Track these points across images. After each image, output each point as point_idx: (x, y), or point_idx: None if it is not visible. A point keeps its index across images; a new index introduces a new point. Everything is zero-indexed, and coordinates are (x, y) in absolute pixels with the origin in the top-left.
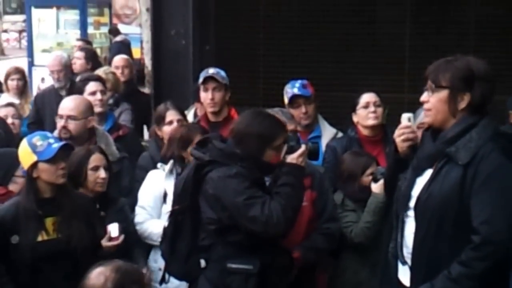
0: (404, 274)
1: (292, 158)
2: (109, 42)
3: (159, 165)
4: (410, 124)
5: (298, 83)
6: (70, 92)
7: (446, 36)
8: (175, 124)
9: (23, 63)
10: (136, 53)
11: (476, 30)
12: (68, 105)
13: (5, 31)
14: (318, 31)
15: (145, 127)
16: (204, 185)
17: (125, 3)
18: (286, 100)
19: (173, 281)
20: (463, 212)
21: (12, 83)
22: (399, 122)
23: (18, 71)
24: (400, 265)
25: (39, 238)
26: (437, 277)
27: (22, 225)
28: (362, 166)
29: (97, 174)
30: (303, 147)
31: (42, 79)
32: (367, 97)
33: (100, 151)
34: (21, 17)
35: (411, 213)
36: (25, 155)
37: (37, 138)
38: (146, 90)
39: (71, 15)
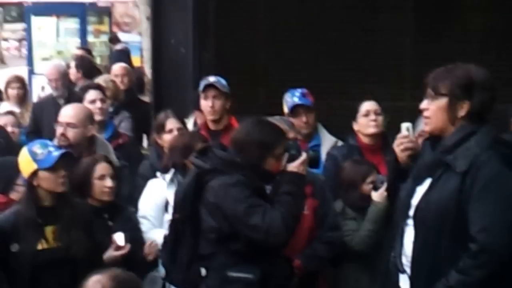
0: (404, 282)
1: (293, 167)
2: (109, 51)
3: (158, 174)
4: (408, 134)
5: (298, 92)
6: (68, 101)
7: (447, 44)
8: (175, 132)
9: (23, 72)
10: (136, 61)
11: (478, 39)
12: (68, 112)
13: (6, 39)
14: (318, 39)
15: (144, 136)
16: (204, 194)
17: (125, 11)
18: (286, 110)
19: None
20: (461, 220)
21: (13, 92)
22: (399, 130)
23: (19, 79)
24: (399, 274)
25: (39, 247)
26: (435, 285)
27: (22, 233)
28: (362, 175)
29: (103, 183)
30: (303, 155)
31: (42, 88)
32: (367, 106)
33: (106, 160)
34: (21, 26)
35: (410, 221)
36: (26, 163)
37: (37, 146)
38: (146, 98)
39: (71, 24)
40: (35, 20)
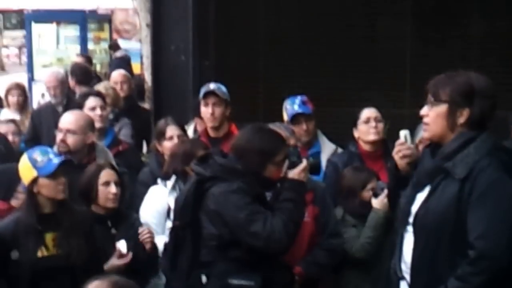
0: None
1: (293, 174)
2: (110, 58)
3: (159, 181)
4: (405, 141)
5: (298, 100)
6: (66, 108)
7: (447, 51)
8: (175, 139)
9: (23, 79)
10: (136, 68)
11: (479, 45)
12: (68, 119)
13: (6, 46)
14: (318, 46)
15: (144, 143)
16: (205, 201)
17: (125, 18)
18: (286, 118)
19: None
20: (460, 226)
21: (13, 99)
22: (399, 137)
23: (19, 87)
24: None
25: (39, 254)
26: None
27: (21, 240)
28: (362, 181)
29: (108, 190)
30: (304, 162)
31: (43, 95)
32: (368, 113)
33: (111, 166)
34: (21, 33)
35: (410, 228)
36: (26, 170)
37: (37, 153)
38: (146, 105)
39: (71, 31)
40: (35, 27)
